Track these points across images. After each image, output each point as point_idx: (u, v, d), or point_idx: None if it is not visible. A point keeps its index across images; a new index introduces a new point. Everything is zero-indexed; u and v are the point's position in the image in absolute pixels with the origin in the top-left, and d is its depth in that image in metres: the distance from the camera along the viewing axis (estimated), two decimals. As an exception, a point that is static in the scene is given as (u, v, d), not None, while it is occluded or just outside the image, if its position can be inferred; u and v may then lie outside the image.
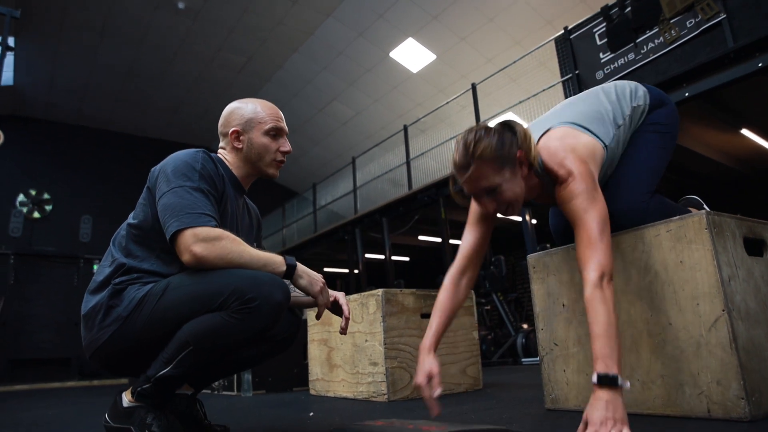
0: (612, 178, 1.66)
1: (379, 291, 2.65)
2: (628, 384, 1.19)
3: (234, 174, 1.53)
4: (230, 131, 1.51)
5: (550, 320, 1.78)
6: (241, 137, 1.50)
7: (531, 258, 1.89)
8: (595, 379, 1.18)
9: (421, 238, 10.50)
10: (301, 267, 1.39)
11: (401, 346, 2.63)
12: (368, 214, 9.47)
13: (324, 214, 11.83)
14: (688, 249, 1.40)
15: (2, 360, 10.49)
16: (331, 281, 14.89)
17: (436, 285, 7.80)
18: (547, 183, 1.53)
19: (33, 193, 11.68)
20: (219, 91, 11.59)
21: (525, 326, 6.74)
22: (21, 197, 11.50)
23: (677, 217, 1.44)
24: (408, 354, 2.64)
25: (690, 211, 1.76)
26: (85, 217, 11.70)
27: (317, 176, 13.65)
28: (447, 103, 8.49)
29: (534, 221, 6.98)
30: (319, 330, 3.17)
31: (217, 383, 3.83)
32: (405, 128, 9.19)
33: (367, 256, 10.37)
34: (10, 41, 8.42)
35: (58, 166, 12.27)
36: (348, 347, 2.86)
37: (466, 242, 1.70)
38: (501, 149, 1.42)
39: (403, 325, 2.66)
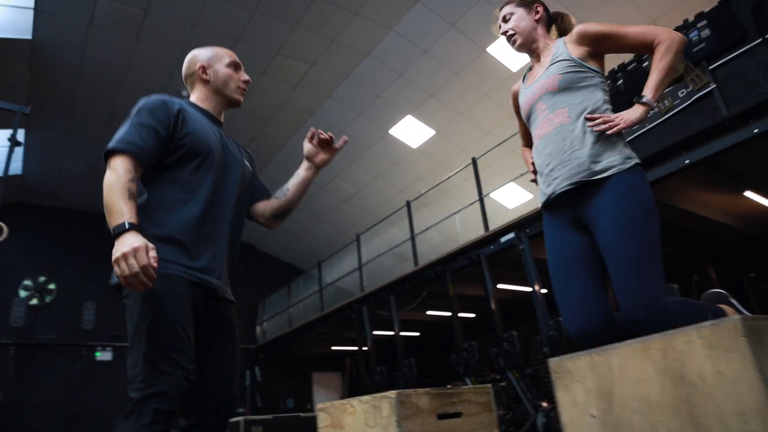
0: (617, 276, 1.59)
1: (393, 393, 2.50)
2: (656, 109, 1.62)
3: (204, 107, 1.74)
4: (197, 67, 1.74)
5: (580, 433, 1.64)
6: (207, 70, 1.74)
7: (553, 363, 1.78)
8: (636, 98, 1.65)
9: (429, 312, 10.30)
10: (120, 239, 1.32)
11: (418, 452, 2.46)
12: (375, 291, 9.33)
13: (331, 291, 11.69)
14: (726, 359, 1.29)
15: (-1, 460, 10.06)
16: (340, 359, 14.52)
17: (449, 364, 7.55)
18: (557, 50, 1.85)
19: (41, 279, 11.62)
20: (222, 174, 11.79)
21: (544, 404, 6.44)
22: (26, 282, 11.42)
23: (709, 322, 1.35)
24: (426, 460, 2.46)
25: (719, 309, 1.67)
26: (88, 303, 11.55)
27: (322, 253, 13.60)
28: (449, 177, 8.57)
29: (544, 290, 6.85)
30: (330, 432, 3.00)
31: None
32: (408, 204, 9.22)
33: (376, 333, 10.14)
34: (21, 135, 8.69)
35: (62, 252, 12.26)
36: (361, 453, 2.68)
37: (520, 129, 2.15)
38: None
39: (419, 429, 2.50)
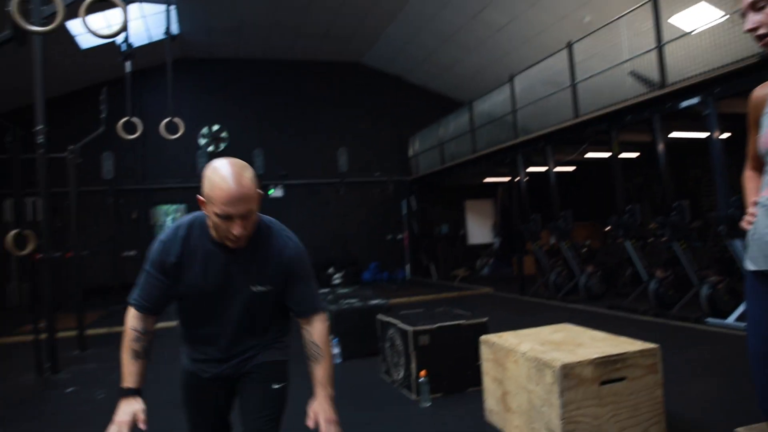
0: None
1: (557, 363, 2.58)
2: None
3: (213, 237, 1.65)
4: (200, 197, 1.58)
5: None
6: (206, 206, 1.57)
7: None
8: None
9: (588, 156, 9.77)
10: (119, 404, 1.58)
11: (579, 419, 2.59)
12: (530, 140, 8.97)
13: (484, 118, 11.27)
14: None
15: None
16: (492, 188, 14.76)
17: (604, 222, 7.24)
18: None
19: (215, 129, 12.90)
20: (366, 9, 11.35)
21: (712, 276, 6.14)
22: (203, 132, 12.76)
23: None
24: (586, 425, 2.60)
25: None
26: (257, 150, 12.70)
27: (472, 83, 13.07)
28: (619, 18, 7.27)
29: (726, 135, 6.06)
30: (493, 366, 3.23)
31: (398, 377, 4.16)
32: (569, 46, 8.21)
33: (529, 170, 9.93)
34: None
35: (228, 101, 13.26)
36: (524, 400, 2.89)
37: (749, 144, 1.69)
38: None
39: (581, 397, 2.60)
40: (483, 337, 3.38)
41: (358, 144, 13.83)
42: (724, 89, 5.50)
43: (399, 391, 4.08)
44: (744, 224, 1.60)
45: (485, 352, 3.33)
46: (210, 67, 13.18)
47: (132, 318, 1.67)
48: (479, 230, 15.14)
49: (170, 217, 12.98)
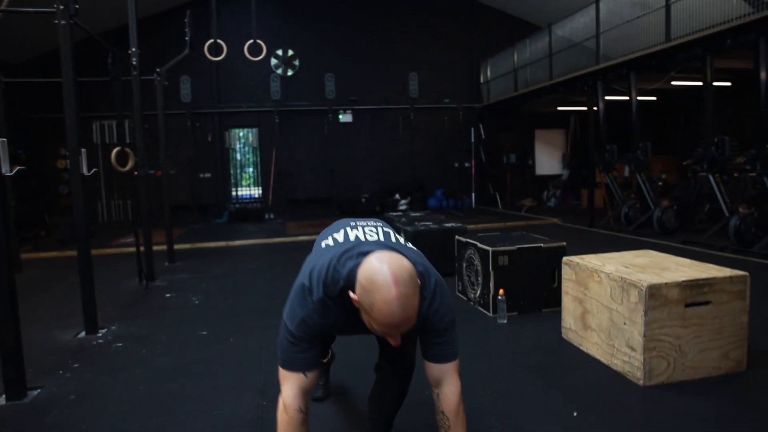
0: None
1: (644, 284, 2.65)
2: None
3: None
4: (353, 296, 1.37)
5: None
6: (362, 312, 1.39)
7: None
8: None
9: (673, 83, 9.23)
10: None
11: (661, 337, 2.69)
12: (613, 67, 8.54)
13: (562, 46, 10.74)
14: None
15: (285, 200, 12.93)
16: (565, 117, 14.28)
17: (681, 156, 7.00)
18: None
19: (289, 53, 12.98)
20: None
21: (742, 209, 6.14)
22: (277, 53, 12.87)
23: None
24: (667, 344, 2.69)
25: None
26: (328, 75, 12.72)
27: (552, 4, 12.33)
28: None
29: None
30: (574, 286, 3.33)
31: (475, 296, 4.35)
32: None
33: (608, 98, 9.50)
34: None
35: (299, 27, 13.19)
36: (604, 319, 3.00)
37: None
38: None
39: (665, 317, 2.68)
40: (566, 258, 3.47)
41: (428, 69, 13.59)
42: None
43: (475, 308, 4.28)
44: None
45: (567, 272, 3.42)
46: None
47: (293, 396, 1.46)
48: (548, 161, 14.83)
49: (242, 142, 13.41)
